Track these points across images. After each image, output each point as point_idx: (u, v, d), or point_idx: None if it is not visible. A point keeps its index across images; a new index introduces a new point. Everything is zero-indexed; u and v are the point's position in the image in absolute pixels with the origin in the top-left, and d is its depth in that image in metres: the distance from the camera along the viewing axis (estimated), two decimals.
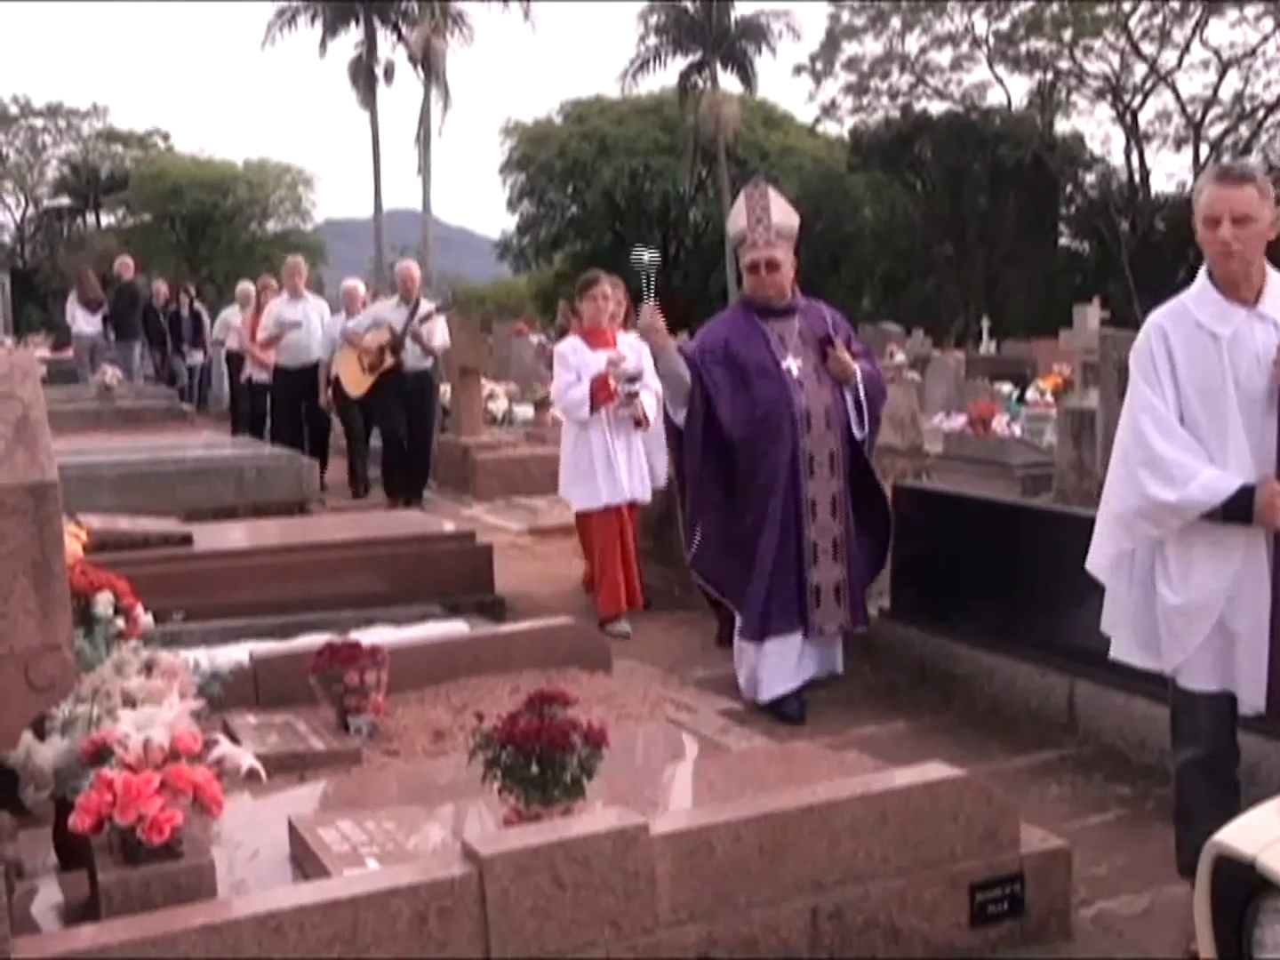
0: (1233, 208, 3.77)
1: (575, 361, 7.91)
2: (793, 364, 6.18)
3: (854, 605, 6.29)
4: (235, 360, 16.68)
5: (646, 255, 6.49)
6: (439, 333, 12.51)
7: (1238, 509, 3.76)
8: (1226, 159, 41.17)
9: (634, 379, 7.80)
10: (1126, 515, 3.92)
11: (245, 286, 17.58)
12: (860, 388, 6.28)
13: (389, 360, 12.19)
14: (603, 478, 7.88)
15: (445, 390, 13.64)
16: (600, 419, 7.85)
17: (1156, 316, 3.95)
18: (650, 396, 7.85)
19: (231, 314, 17.66)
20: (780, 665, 6.12)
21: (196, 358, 20.46)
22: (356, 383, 12.39)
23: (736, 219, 6.33)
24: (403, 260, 13.05)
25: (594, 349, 7.96)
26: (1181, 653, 3.93)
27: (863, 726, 5.98)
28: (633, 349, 7.96)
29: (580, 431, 7.96)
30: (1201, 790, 4.02)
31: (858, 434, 6.29)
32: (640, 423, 7.93)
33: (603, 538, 7.96)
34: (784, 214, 6.28)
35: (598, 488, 7.89)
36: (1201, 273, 3.96)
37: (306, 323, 13.39)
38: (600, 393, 7.77)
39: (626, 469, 7.94)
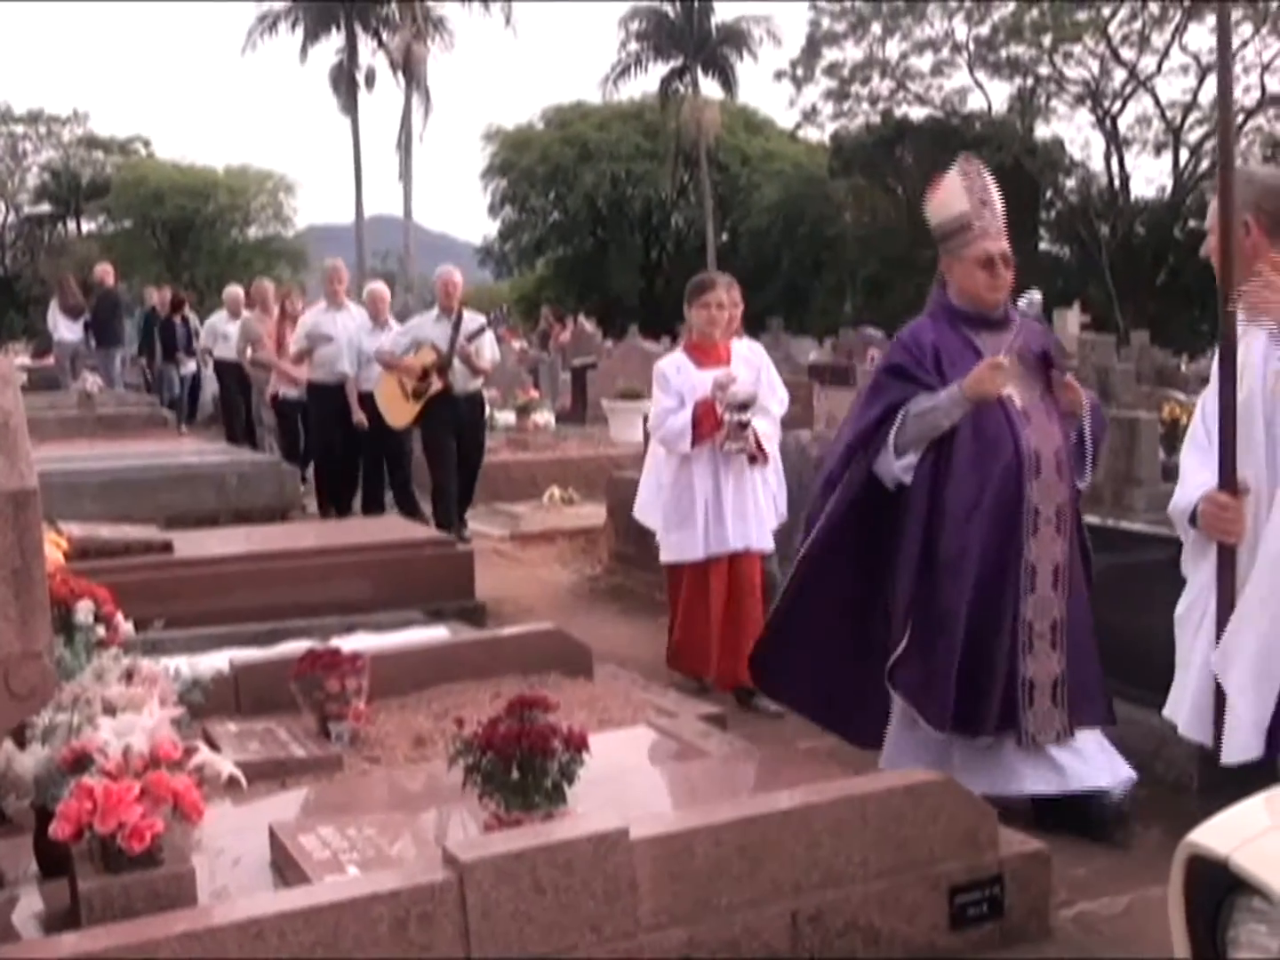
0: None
1: (678, 383, 6.59)
2: (1014, 392, 4.78)
3: (1084, 700, 4.77)
4: (224, 369, 15.90)
5: (1037, 295, 5.08)
6: (488, 348, 10.76)
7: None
8: (1206, 164, 41.46)
9: (746, 405, 6.39)
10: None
11: (234, 291, 16.71)
12: (1088, 423, 4.87)
13: (436, 384, 10.34)
14: (705, 524, 6.54)
15: None
16: (705, 453, 6.53)
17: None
18: (767, 424, 6.62)
19: (220, 320, 16.48)
20: (988, 769, 4.78)
21: (190, 366, 19.43)
22: (400, 412, 10.61)
23: (950, 201, 4.93)
24: (442, 265, 11.12)
25: (701, 367, 6.60)
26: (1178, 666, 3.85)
27: None
28: (748, 365, 6.75)
29: (681, 466, 6.63)
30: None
31: (1080, 482, 4.88)
32: (755, 458, 6.55)
33: (693, 593, 6.66)
34: (1000, 201, 4.96)
35: (697, 536, 6.54)
36: None
37: (343, 336, 11.64)
38: (706, 421, 6.44)
39: (737, 512, 6.54)
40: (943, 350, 4.81)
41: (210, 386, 18.68)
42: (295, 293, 14.83)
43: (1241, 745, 3.55)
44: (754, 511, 6.60)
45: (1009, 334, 4.83)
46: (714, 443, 6.46)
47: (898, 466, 4.77)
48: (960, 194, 4.89)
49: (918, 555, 4.77)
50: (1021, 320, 4.93)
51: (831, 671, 5.01)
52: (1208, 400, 3.80)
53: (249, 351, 14.23)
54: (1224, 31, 3.48)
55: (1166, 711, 3.87)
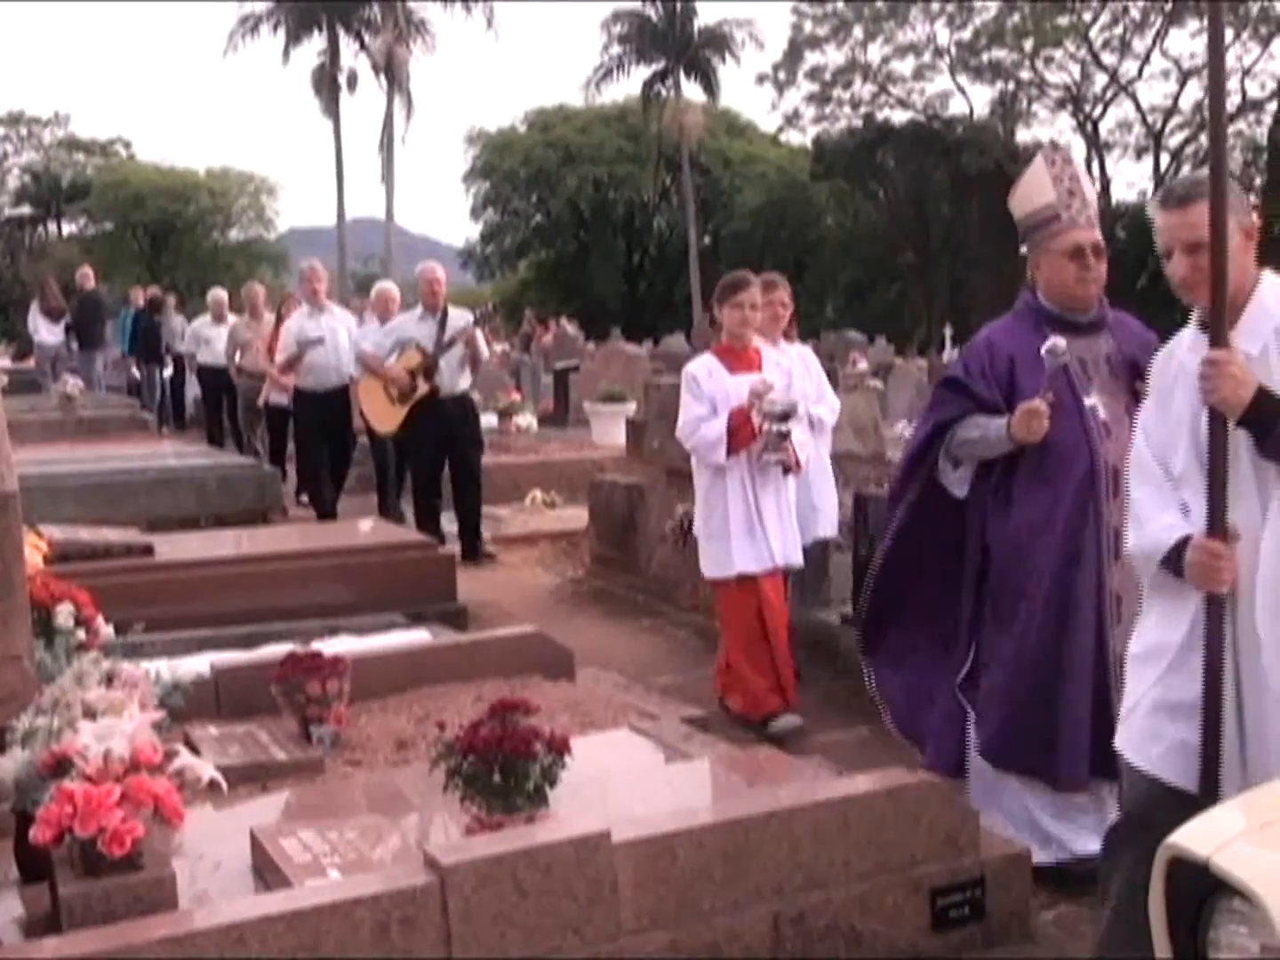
0: (1182, 237, 3.29)
1: (709, 388, 6.15)
2: (1098, 402, 4.42)
3: None
4: (208, 374, 15.72)
5: (1061, 342, 4.33)
6: (482, 344, 10.27)
7: (1177, 562, 3.22)
8: (1187, 169, 41.57)
9: (786, 416, 6.02)
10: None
11: (218, 294, 16.38)
12: None
13: (422, 387, 9.90)
14: (741, 539, 6.16)
15: None
16: (740, 464, 6.15)
17: (1157, 355, 3.56)
18: (803, 432, 6.31)
19: (203, 325, 16.20)
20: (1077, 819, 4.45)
21: (168, 369, 19.45)
22: (385, 417, 10.17)
23: (1034, 193, 4.54)
24: (424, 262, 10.64)
25: (734, 372, 6.18)
26: (1123, 709, 3.45)
27: (826, 733, 6.00)
28: (781, 370, 6.43)
29: (714, 478, 6.21)
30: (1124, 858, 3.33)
31: None
32: (790, 469, 6.22)
33: (739, 616, 6.22)
34: (1091, 189, 4.59)
35: (730, 551, 6.17)
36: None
37: (331, 339, 11.36)
38: (741, 431, 6.04)
39: (777, 528, 6.21)
40: (1018, 357, 4.44)
41: (192, 390, 18.41)
42: (294, 300, 13.97)
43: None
44: (790, 526, 6.31)
45: (1099, 338, 4.48)
46: (750, 454, 6.10)
47: (952, 477, 4.56)
48: (1046, 183, 4.51)
49: (975, 576, 4.54)
50: (1115, 320, 4.56)
51: (919, 695, 4.72)
52: (1150, 423, 3.43)
53: (237, 357, 14.03)
54: (1216, 26, 3.21)
55: (1130, 752, 3.36)
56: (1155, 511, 3.33)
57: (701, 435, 6.10)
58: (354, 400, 10.94)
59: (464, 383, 10.20)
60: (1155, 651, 3.35)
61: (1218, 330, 3.18)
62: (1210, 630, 3.20)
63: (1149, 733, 3.32)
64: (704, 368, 6.24)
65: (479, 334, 10.14)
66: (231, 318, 15.26)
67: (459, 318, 10.11)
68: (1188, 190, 3.31)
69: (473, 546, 10.03)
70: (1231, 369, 3.12)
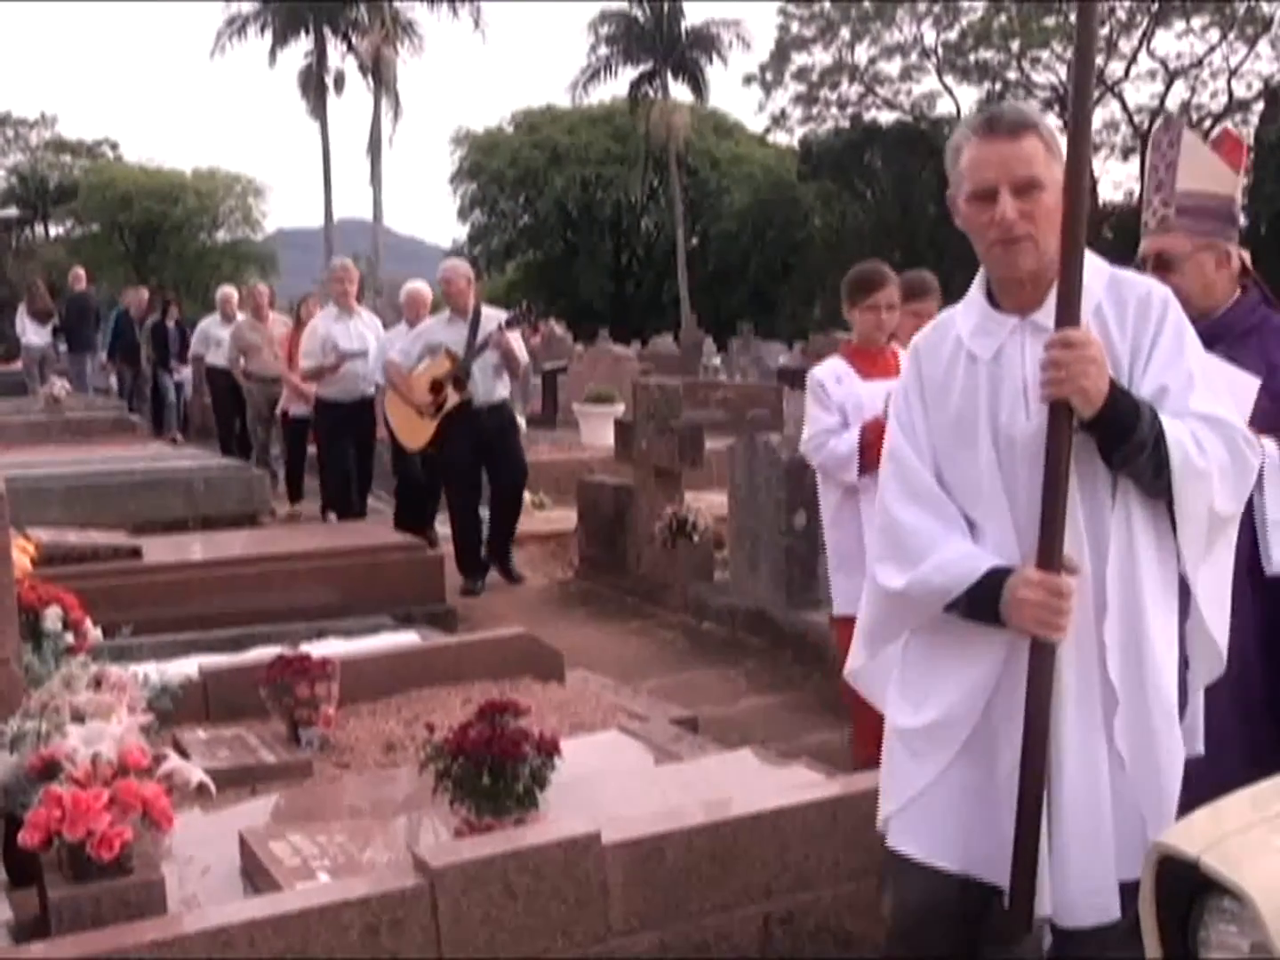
0: (1012, 172, 2.59)
1: (839, 396, 5.29)
2: None
3: None
4: (216, 377, 14.85)
5: None
6: (518, 347, 9.30)
7: (985, 602, 2.61)
8: None
9: None
10: (870, 612, 2.89)
11: (227, 292, 15.57)
12: None
13: (453, 397, 9.02)
14: None
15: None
16: (875, 483, 5.01)
17: (917, 336, 2.92)
18: None
19: (212, 325, 15.28)
20: None
21: (184, 373, 17.98)
22: (413, 432, 9.30)
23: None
24: (446, 261, 9.90)
25: (868, 378, 5.31)
26: (898, 798, 2.81)
27: (814, 733, 6.00)
28: None
29: (844, 499, 5.29)
30: None
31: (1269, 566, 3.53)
32: None
33: None
34: (1199, 176, 3.74)
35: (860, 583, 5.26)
36: (980, 272, 2.82)
37: (363, 346, 10.53)
38: (877, 445, 4.90)
39: None
40: None
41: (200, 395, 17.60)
42: (314, 300, 13.19)
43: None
44: None
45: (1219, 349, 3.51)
46: None
47: None
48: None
49: None
50: (1257, 325, 3.71)
51: None
52: (913, 423, 2.80)
53: (240, 361, 13.45)
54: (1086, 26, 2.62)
55: (914, 847, 2.78)
56: (938, 536, 2.68)
57: (830, 450, 5.22)
58: (379, 411, 10.13)
59: (501, 391, 9.30)
60: (943, 725, 2.71)
61: (1070, 302, 2.56)
62: (1037, 688, 2.57)
63: (942, 824, 2.73)
64: (832, 373, 5.35)
65: (514, 336, 9.25)
66: (239, 317, 14.52)
67: (492, 319, 9.22)
68: (1022, 117, 2.65)
69: (503, 569, 9.44)
70: (1091, 352, 2.51)
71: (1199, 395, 2.61)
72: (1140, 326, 2.64)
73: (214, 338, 14.95)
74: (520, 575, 9.49)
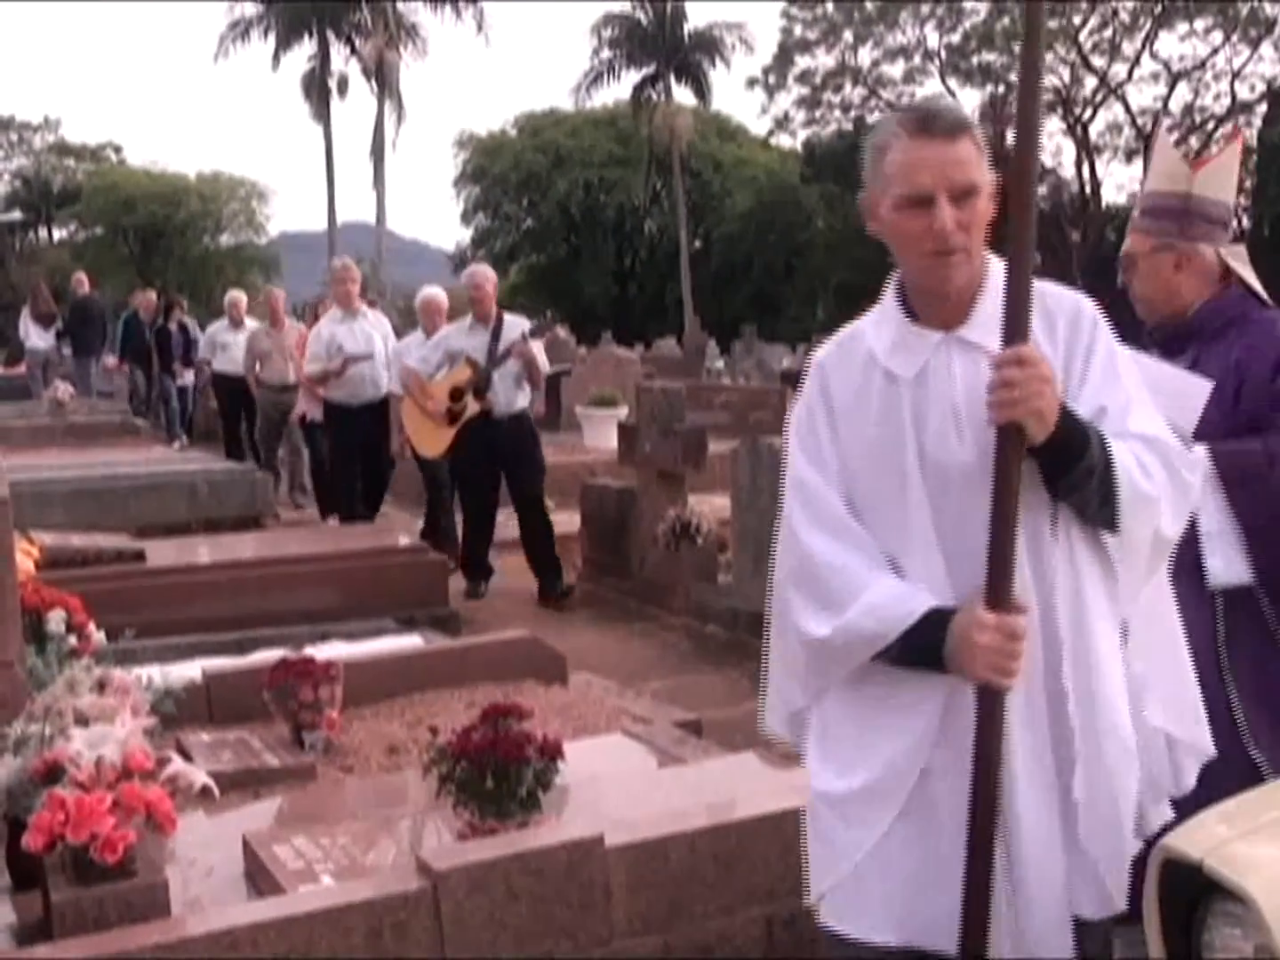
0: (950, 178, 2.35)
1: None
2: None
3: None
4: (223, 383, 14.66)
5: None
6: (539, 357, 9.12)
7: (924, 646, 2.35)
8: None
9: None
10: (781, 659, 2.60)
11: (236, 296, 15.31)
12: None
13: (472, 406, 8.83)
14: None
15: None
16: None
17: (820, 351, 2.62)
18: None
19: (220, 329, 15.07)
20: None
21: (188, 378, 18.05)
22: (431, 439, 9.14)
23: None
24: (472, 265, 9.70)
25: None
26: (832, 872, 2.50)
27: None
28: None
29: None
30: None
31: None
32: None
33: None
34: (1158, 175, 3.69)
35: None
36: (891, 283, 2.59)
37: (368, 348, 10.27)
38: None
39: None
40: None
41: (206, 400, 17.67)
42: (328, 303, 12.77)
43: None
44: None
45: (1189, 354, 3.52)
46: None
47: None
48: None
49: None
50: (1236, 321, 3.54)
51: None
52: (820, 449, 2.51)
53: (256, 367, 13.20)
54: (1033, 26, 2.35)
55: (849, 925, 2.50)
56: (863, 574, 2.40)
57: None
58: (393, 416, 9.85)
59: (521, 401, 9.07)
60: (879, 788, 2.44)
61: (1019, 316, 2.33)
62: (987, 739, 2.32)
63: (881, 896, 2.45)
64: None
65: (536, 346, 9.13)
66: (251, 322, 14.36)
67: (515, 327, 9.06)
68: (959, 118, 2.41)
69: (551, 584, 9.07)
70: (1045, 370, 2.29)
71: (1137, 415, 2.44)
72: (1072, 343, 2.45)
73: (220, 343, 14.76)
74: (568, 588, 9.10)
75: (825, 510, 2.46)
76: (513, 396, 8.97)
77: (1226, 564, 3.24)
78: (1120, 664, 2.46)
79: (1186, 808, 2.49)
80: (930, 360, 2.44)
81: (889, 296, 2.55)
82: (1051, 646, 2.40)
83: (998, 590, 2.31)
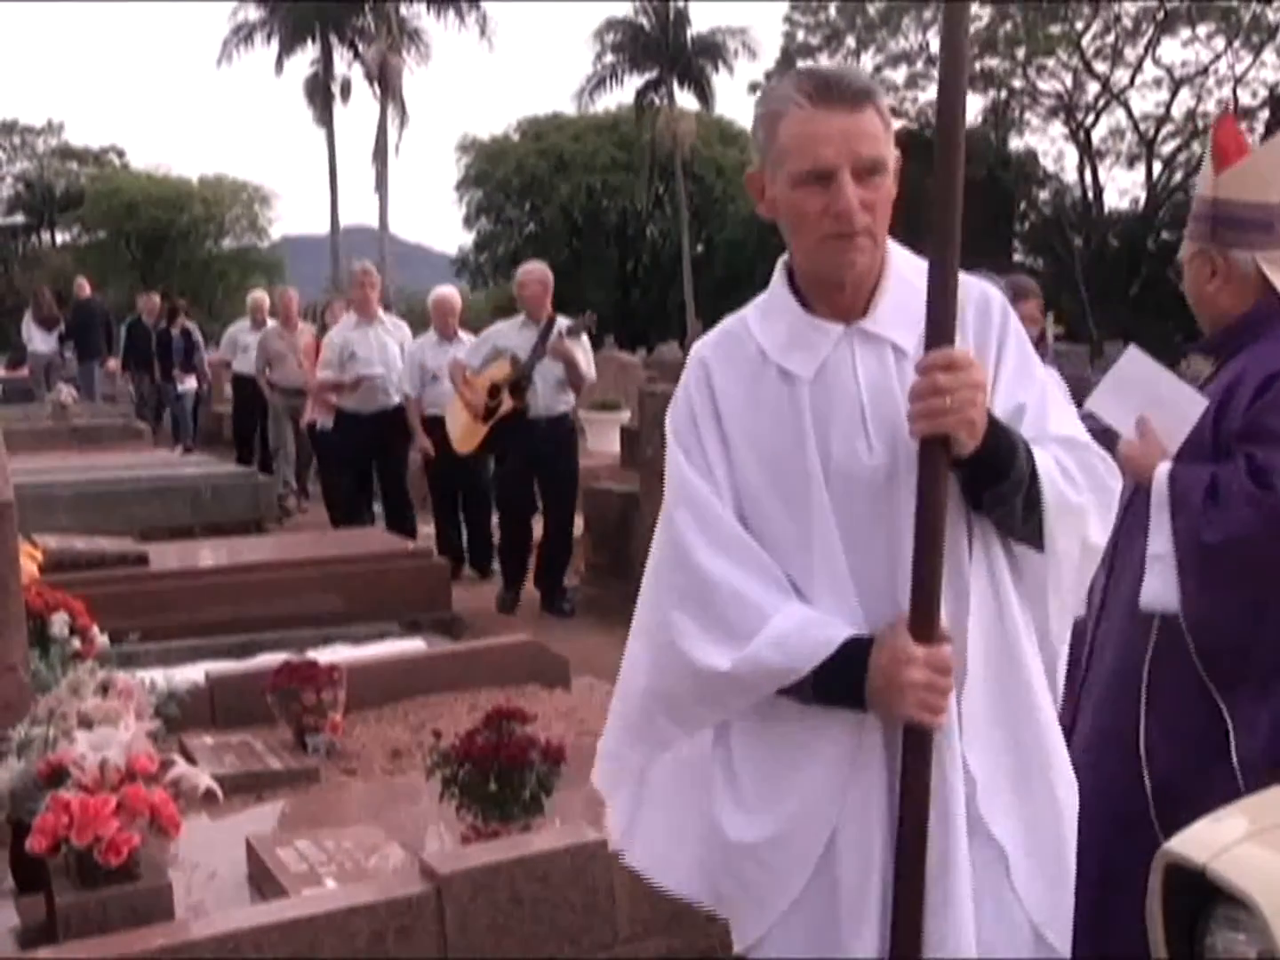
0: (855, 151, 2.12)
1: None
2: None
3: None
4: (241, 385, 14.44)
5: None
6: (583, 355, 8.79)
7: (840, 683, 2.09)
8: (1179, 176, 41.71)
9: None
10: (654, 690, 2.28)
11: (258, 297, 15.08)
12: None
13: (506, 403, 8.56)
14: None
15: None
16: None
17: (700, 346, 2.36)
18: None
19: (241, 330, 14.84)
20: None
21: (189, 384, 17.71)
22: (466, 434, 8.84)
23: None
24: (526, 263, 9.37)
25: None
26: (763, 920, 2.26)
27: None
28: None
29: None
30: None
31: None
32: None
33: None
34: (1201, 178, 3.46)
35: None
36: (778, 269, 2.32)
37: (381, 355, 9.90)
38: None
39: None
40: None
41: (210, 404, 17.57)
42: (339, 305, 12.48)
43: None
44: None
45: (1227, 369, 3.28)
46: None
47: None
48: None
49: None
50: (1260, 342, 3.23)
51: None
52: (707, 458, 2.23)
53: (267, 371, 13.02)
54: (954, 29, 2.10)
55: None
56: (765, 600, 2.13)
57: None
58: (413, 422, 9.63)
59: (562, 405, 8.78)
60: (790, 839, 2.19)
61: (944, 311, 2.10)
62: (915, 783, 2.09)
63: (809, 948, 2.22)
64: None
65: (577, 345, 8.71)
66: (270, 322, 13.98)
67: (564, 326, 8.71)
68: (863, 84, 2.18)
69: (551, 596, 8.94)
70: (977, 375, 2.07)
71: (1055, 415, 2.24)
72: (982, 334, 2.22)
73: (242, 344, 14.53)
74: (569, 608, 8.89)
75: (719, 526, 2.18)
76: (553, 399, 8.68)
77: (1164, 588, 3.06)
78: (1045, 684, 2.27)
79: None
80: (830, 356, 2.18)
81: (777, 284, 2.29)
82: (962, 677, 2.14)
83: (924, 618, 2.06)
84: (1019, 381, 2.23)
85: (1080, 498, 2.18)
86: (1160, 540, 3.08)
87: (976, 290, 2.25)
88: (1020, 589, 2.23)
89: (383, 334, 10.11)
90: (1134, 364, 3.36)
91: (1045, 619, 2.27)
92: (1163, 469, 3.10)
